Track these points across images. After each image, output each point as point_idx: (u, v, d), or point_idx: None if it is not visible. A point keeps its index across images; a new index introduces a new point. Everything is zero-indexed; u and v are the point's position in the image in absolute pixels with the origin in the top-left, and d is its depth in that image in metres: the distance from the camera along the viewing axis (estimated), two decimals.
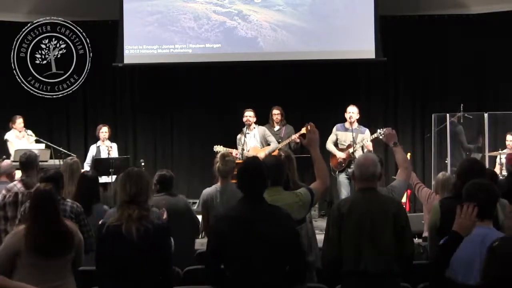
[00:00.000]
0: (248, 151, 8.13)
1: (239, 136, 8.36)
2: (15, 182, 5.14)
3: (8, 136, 8.68)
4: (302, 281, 3.30)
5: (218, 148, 8.10)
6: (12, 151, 8.48)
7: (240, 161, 7.79)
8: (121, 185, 3.25)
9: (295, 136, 8.16)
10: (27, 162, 5.14)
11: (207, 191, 4.91)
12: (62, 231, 3.48)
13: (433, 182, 8.18)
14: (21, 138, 8.71)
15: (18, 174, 7.57)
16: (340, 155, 7.81)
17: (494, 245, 2.78)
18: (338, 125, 8.06)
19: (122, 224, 3.14)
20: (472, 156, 8.71)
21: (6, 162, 6.18)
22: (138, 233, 3.12)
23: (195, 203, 7.74)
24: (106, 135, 8.64)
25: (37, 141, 8.61)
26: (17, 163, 5.71)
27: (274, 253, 3.13)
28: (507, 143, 8.32)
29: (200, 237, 6.07)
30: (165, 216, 3.58)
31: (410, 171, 4.42)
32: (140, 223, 3.15)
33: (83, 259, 3.69)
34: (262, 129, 8.38)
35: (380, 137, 7.41)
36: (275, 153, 7.78)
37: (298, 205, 3.70)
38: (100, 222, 3.30)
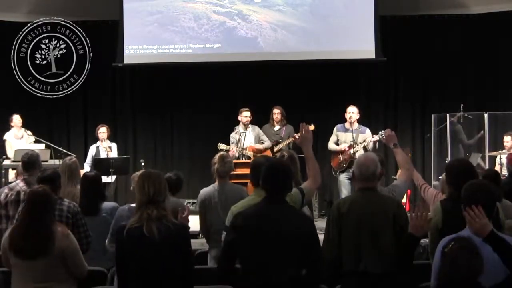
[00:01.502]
0: (246, 149, 8.17)
1: (234, 135, 8.36)
2: (17, 181, 5.18)
3: (7, 136, 8.69)
4: (318, 282, 3.29)
5: (223, 146, 8.12)
6: (9, 151, 8.48)
7: (238, 160, 7.81)
8: (139, 186, 3.22)
9: (293, 138, 8.17)
10: (30, 161, 5.17)
11: (205, 191, 4.92)
12: (39, 232, 3.47)
13: (433, 182, 8.21)
14: (20, 138, 8.72)
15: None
16: (344, 146, 7.75)
17: (447, 248, 2.78)
18: (339, 125, 8.03)
19: (143, 225, 3.12)
20: (473, 154, 8.71)
21: None
22: (159, 233, 3.11)
23: (195, 203, 7.77)
24: (105, 135, 8.62)
25: (36, 141, 8.61)
26: (17, 163, 5.72)
27: (290, 253, 3.13)
28: (504, 144, 8.33)
29: (199, 237, 6.06)
30: (185, 213, 3.55)
31: (411, 171, 4.45)
32: (160, 222, 3.13)
33: (82, 266, 3.65)
34: (257, 128, 8.46)
35: (381, 138, 7.41)
36: (268, 153, 7.83)
37: None
38: (120, 224, 3.28)
